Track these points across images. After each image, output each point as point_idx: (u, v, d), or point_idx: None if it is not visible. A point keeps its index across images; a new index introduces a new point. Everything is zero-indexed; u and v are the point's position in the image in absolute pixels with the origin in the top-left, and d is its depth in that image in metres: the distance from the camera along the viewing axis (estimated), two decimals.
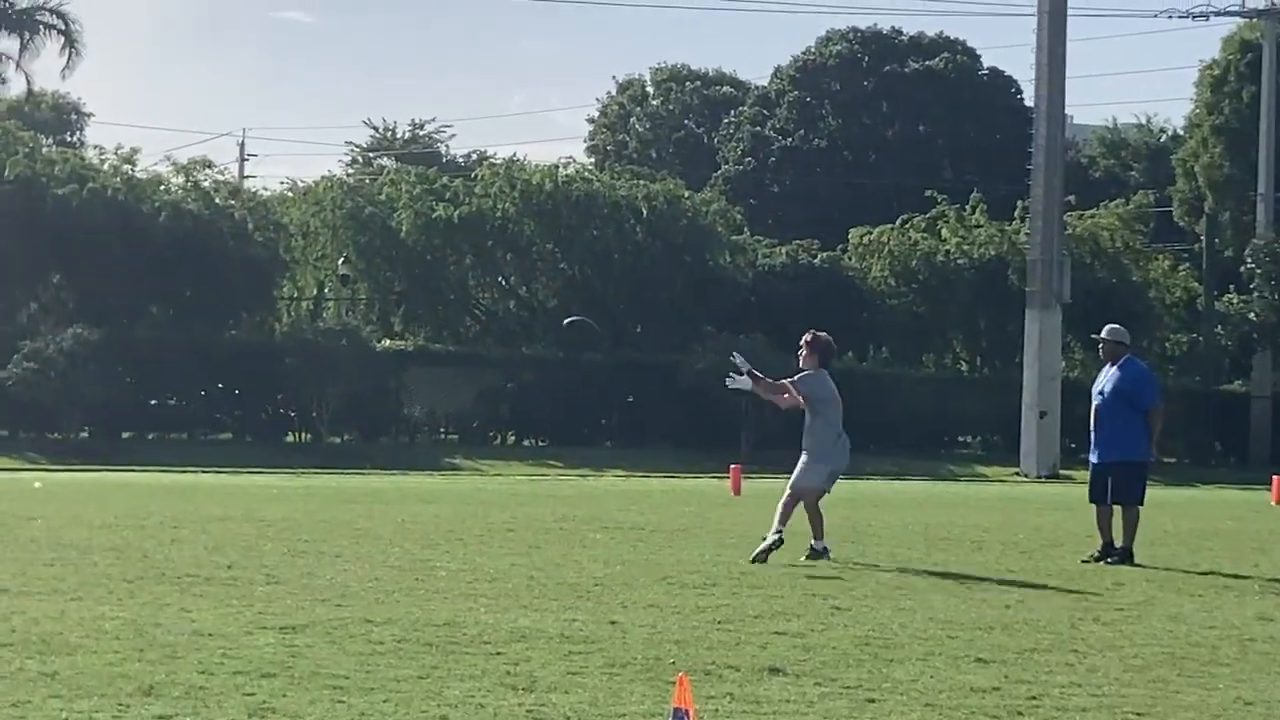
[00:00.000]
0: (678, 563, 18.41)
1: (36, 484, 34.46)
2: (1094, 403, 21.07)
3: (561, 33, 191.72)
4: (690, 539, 22.15)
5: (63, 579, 15.26)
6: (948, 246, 67.58)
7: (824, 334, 20.29)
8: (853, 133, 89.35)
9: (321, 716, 9.39)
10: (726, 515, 28.02)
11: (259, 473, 44.59)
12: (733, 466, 39.41)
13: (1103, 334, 21.37)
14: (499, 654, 11.57)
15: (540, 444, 60.26)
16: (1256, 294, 68.21)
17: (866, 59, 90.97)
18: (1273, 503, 38.51)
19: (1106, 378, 20.98)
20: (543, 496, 34.51)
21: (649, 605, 14.42)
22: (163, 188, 60.20)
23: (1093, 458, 21.07)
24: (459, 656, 11.43)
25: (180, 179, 60.91)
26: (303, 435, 58.45)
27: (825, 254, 67.99)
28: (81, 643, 11.55)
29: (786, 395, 19.95)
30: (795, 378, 19.89)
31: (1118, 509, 20.56)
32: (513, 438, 61.21)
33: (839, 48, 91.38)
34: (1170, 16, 69.23)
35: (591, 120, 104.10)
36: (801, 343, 20.10)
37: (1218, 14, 72.57)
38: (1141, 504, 20.68)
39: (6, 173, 56.82)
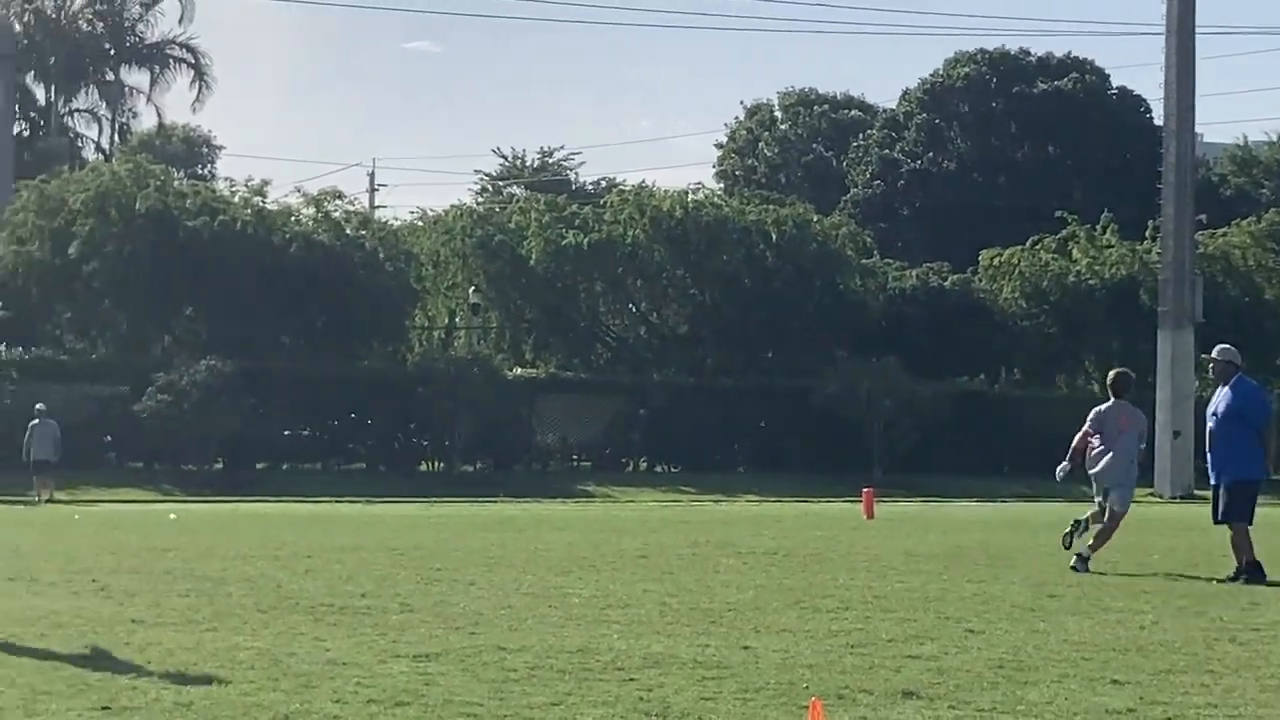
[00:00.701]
0: (810, 587, 18.33)
1: (171, 515, 34.80)
2: (1208, 425, 20.94)
3: (689, 58, 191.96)
4: (823, 563, 22.05)
5: (197, 610, 15.39)
6: (1079, 267, 67.06)
7: (1115, 371, 22.61)
8: (981, 154, 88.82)
9: None
10: (859, 539, 27.89)
11: (392, 502, 44.83)
12: (865, 490, 39.23)
13: (1213, 354, 21.20)
14: (632, 680, 11.55)
15: (672, 470, 60.26)
16: None
17: (995, 80, 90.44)
18: None
19: (1219, 398, 20.83)
20: (675, 522, 34.48)
21: (782, 630, 14.36)
22: (293, 219, 60.70)
23: (1211, 479, 20.94)
24: (592, 683, 11.42)
25: (311, 210, 61.41)
26: (435, 464, 58.77)
27: (955, 276, 67.68)
28: (217, 673, 11.62)
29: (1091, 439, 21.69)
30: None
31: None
32: (644, 464, 61.24)
33: (967, 69, 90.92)
34: None
35: (720, 145, 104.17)
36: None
37: None
38: (1249, 523, 20.45)
39: (138, 206, 57.49)
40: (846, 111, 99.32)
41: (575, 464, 61.21)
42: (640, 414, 60.25)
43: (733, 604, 16.42)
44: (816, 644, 13.48)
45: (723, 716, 10.25)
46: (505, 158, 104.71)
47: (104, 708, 10.13)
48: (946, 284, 67.15)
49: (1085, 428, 21.61)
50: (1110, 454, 21.46)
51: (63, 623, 13.70)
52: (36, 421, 45.79)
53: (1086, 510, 22.28)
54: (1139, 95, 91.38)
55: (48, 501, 43.68)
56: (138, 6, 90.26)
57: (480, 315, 66.43)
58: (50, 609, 14.87)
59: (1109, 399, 21.89)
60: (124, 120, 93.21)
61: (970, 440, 60.37)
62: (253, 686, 11.07)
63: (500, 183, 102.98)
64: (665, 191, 65.30)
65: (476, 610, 15.64)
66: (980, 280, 68.21)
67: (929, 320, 64.13)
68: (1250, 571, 19.93)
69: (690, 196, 65.40)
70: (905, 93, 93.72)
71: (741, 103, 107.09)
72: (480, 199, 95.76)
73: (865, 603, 16.70)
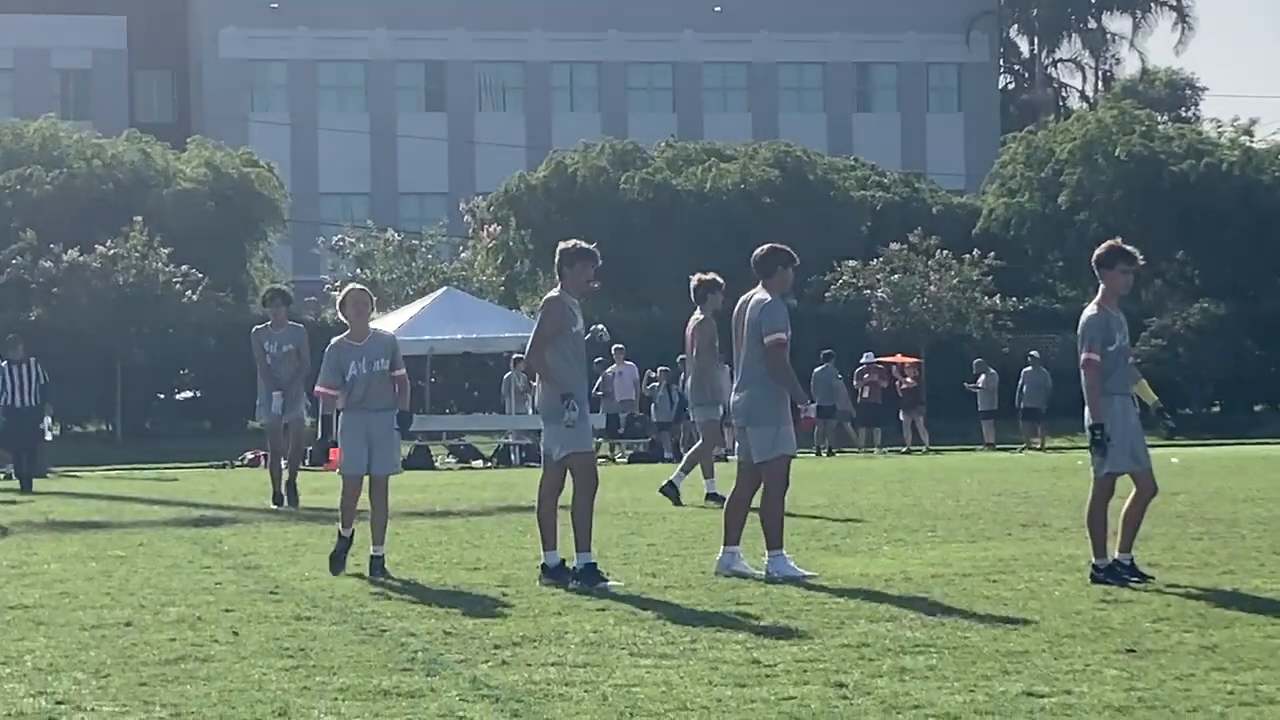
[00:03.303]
0: None
1: (1174, 460, 34.68)
2: None
3: None
4: None
5: (1212, 553, 15.30)
6: None
7: None
8: None
9: None
10: None
11: None
12: None
13: None
14: None
15: None
16: None
17: None
18: None
19: None
20: None
21: None
22: None
23: None
24: None
25: None
26: None
27: None
28: (1238, 615, 11.55)
29: None
30: None
31: None
32: None
33: None
34: None
35: None
36: None
37: None
38: None
39: (1118, 152, 57.71)
40: None
41: None
42: None
43: None
44: None
45: None
46: None
47: (1128, 650, 10.24)
48: None
49: None
50: None
51: (1079, 568, 13.90)
52: (1030, 369, 46.63)
53: None
54: None
55: (1040, 449, 44.35)
56: None
57: None
58: (1066, 554, 15.14)
59: None
60: (1107, 67, 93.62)
61: None
62: (1276, 629, 10.96)
63: None
64: None
65: None
66: None
67: None
68: None
69: None
70: None
71: None
72: None
73: None
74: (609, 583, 13.51)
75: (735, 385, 14.61)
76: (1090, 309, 13.59)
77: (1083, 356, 13.39)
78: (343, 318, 15.12)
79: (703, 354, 21.09)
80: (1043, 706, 8.67)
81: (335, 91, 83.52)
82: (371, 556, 14.62)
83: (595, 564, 13.74)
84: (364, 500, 14.90)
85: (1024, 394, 46.38)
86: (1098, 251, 13.74)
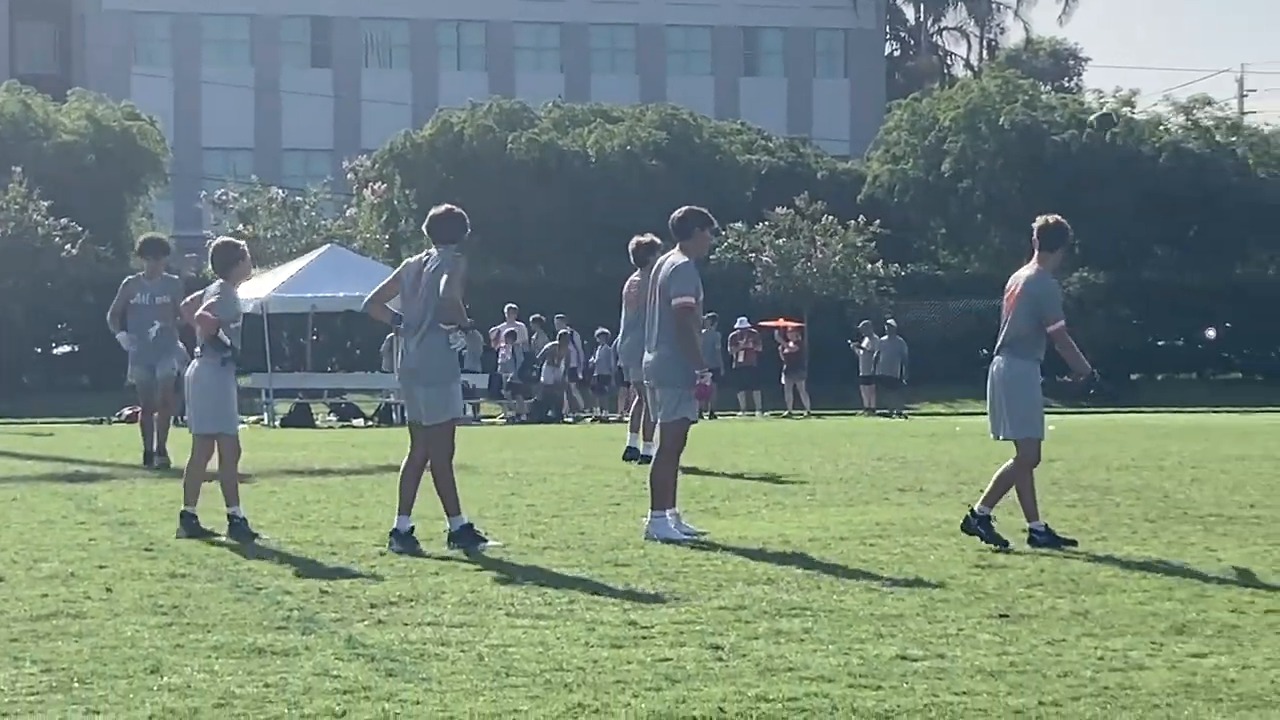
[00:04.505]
0: None
1: (1050, 426, 34.98)
2: None
3: None
4: None
5: (1085, 520, 15.51)
6: None
7: None
8: None
9: None
10: None
11: (1270, 412, 43.68)
12: None
13: None
14: None
15: None
16: None
17: None
18: None
19: None
20: None
21: None
22: (1162, 128, 60.10)
23: None
24: None
25: (1180, 118, 60.67)
26: None
27: None
28: (1110, 582, 11.69)
29: None
30: None
31: None
32: None
33: None
34: None
35: None
36: None
37: None
38: None
39: (1001, 121, 58.07)
40: None
41: None
42: None
43: None
44: None
45: None
46: None
47: (1001, 615, 10.36)
48: None
49: None
50: None
51: (954, 532, 14.02)
52: (885, 338, 46.82)
53: None
54: None
55: (888, 415, 44.51)
56: None
57: None
58: (942, 519, 15.27)
59: None
60: (992, 36, 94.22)
61: None
62: (1146, 595, 11.10)
63: None
64: None
65: None
66: None
67: None
68: None
69: None
70: None
71: None
72: None
73: None
74: (489, 543, 13.46)
75: (647, 345, 14.56)
76: (1047, 276, 13.98)
77: (1061, 324, 13.81)
78: (218, 270, 14.56)
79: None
80: (916, 670, 8.74)
81: (219, 45, 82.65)
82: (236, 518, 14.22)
83: (471, 524, 13.64)
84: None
85: (879, 362, 46.64)
86: (1050, 227, 13.95)
